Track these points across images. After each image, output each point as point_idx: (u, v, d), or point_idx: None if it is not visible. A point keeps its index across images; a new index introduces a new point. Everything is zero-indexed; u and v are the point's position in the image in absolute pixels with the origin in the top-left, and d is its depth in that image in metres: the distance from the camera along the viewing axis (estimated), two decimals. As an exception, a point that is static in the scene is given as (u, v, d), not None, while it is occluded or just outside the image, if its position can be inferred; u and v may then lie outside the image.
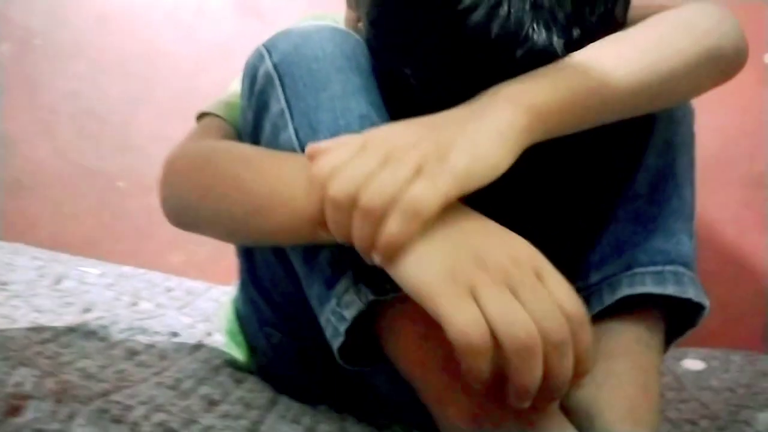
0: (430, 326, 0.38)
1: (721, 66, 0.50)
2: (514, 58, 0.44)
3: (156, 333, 0.68)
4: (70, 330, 0.59)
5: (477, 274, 0.36)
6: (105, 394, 0.45)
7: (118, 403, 0.43)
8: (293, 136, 0.46)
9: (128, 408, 0.43)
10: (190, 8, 1.19)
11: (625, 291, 0.49)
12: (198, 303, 0.91)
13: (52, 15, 1.22)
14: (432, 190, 0.37)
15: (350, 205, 0.37)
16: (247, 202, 0.44)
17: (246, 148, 0.50)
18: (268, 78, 0.48)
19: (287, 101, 0.47)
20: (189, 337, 0.71)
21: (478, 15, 0.44)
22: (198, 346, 0.65)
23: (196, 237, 1.14)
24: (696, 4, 0.51)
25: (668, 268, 0.49)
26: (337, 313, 0.43)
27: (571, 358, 0.35)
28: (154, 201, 1.20)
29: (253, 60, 0.50)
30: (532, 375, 0.34)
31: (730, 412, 0.70)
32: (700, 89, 0.50)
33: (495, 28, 0.44)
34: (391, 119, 0.47)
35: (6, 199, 1.21)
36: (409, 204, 0.36)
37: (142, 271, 1.04)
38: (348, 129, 0.45)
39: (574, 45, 0.46)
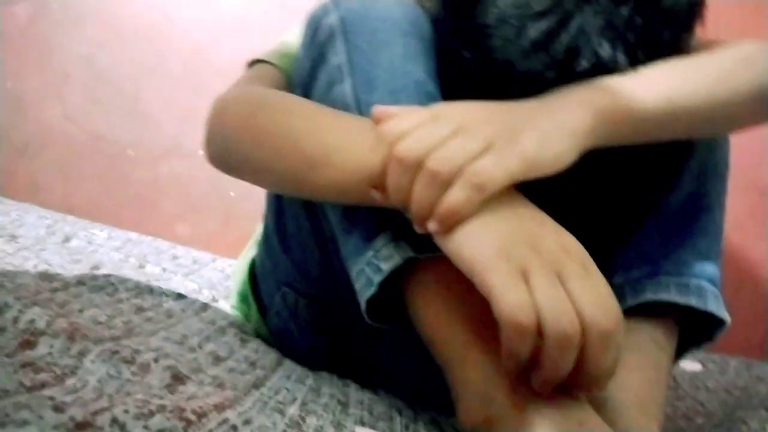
0: (462, 291, 0.39)
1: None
2: (575, 69, 0.45)
3: (162, 294, 0.68)
4: (80, 282, 0.60)
5: (530, 257, 0.36)
6: (115, 339, 0.45)
7: (127, 347, 0.44)
8: (349, 90, 0.46)
9: (137, 352, 0.43)
10: (209, -21, 1.19)
11: (648, 296, 0.50)
12: (203, 272, 0.92)
13: (69, -22, 1.22)
14: (500, 167, 0.38)
15: (416, 167, 0.37)
16: (301, 156, 0.44)
17: (300, 101, 0.50)
18: (331, 31, 0.48)
19: (348, 55, 0.47)
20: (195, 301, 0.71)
21: (548, 21, 0.45)
22: (204, 307, 0.66)
23: (202, 209, 1.15)
24: (758, 44, 0.52)
25: (693, 281, 0.50)
26: (373, 265, 0.43)
27: (613, 350, 0.35)
28: (163, 170, 1.22)
29: (318, 12, 0.50)
30: (565, 366, 0.35)
31: (726, 412, 0.70)
32: (750, 123, 0.51)
33: (564, 37, 0.45)
34: (442, 95, 0.47)
35: (14, 159, 1.21)
36: (475, 175, 0.37)
37: (149, 238, 1.04)
38: (404, 91, 0.45)
39: (636, 65, 0.46)
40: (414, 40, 0.49)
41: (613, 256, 0.53)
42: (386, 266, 0.42)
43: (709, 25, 1.05)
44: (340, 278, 0.50)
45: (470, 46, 0.49)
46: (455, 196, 0.37)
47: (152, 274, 0.82)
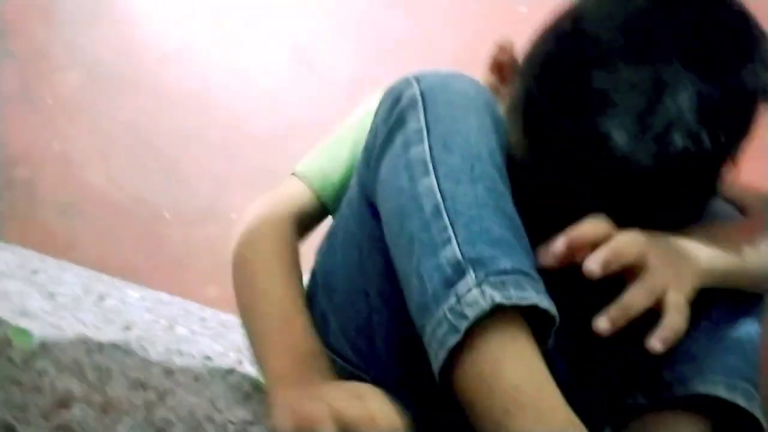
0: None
1: None
2: (669, 150, 0.49)
3: (191, 356, 0.70)
4: (114, 346, 0.62)
5: None
6: (147, 407, 0.47)
7: (159, 417, 0.45)
8: (427, 150, 0.49)
9: (168, 423, 0.45)
10: (248, 53, 1.25)
11: (698, 389, 0.52)
12: (230, 335, 0.93)
13: (119, 49, 1.30)
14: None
15: None
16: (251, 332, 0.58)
17: (275, 295, 0.59)
18: (413, 100, 0.52)
19: (427, 122, 0.50)
20: (221, 363, 0.73)
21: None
22: (230, 371, 0.67)
23: (231, 271, 1.17)
24: None
25: (741, 383, 0.52)
26: (457, 312, 0.43)
27: None
28: (196, 233, 1.25)
29: (400, 85, 0.54)
30: None
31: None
32: None
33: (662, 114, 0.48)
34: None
35: (55, 218, 1.27)
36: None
37: (179, 299, 1.07)
38: (479, 157, 0.49)
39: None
40: (488, 117, 0.53)
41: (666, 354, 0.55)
42: (472, 312, 0.42)
43: None
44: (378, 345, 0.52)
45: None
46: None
47: (181, 335, 0.84)
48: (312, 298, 0.67)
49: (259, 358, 0.55)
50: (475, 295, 0.43)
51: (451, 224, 0.46)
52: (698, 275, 0.52)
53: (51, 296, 0.78)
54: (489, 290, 0.42)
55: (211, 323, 0.97)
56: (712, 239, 0.55)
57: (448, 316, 0.43)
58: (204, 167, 1.24)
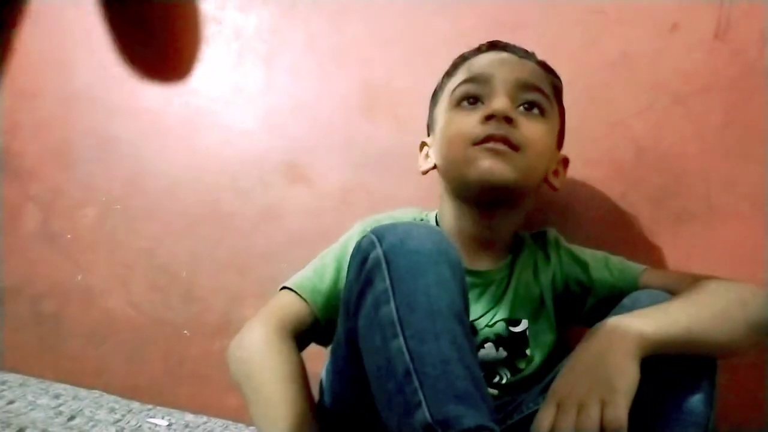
0: None
1: (762, 332, 0.73)
2: None
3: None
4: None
5: None
6: None
7: None
8: (394, 311, 0.58)
9: None
10: (249, 174, 1.36)
11: None
12: (255, 453, 1.00)
13: (130, 183, 1.41)
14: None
15: None
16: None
17: (267, 386, 0.74)
18: (377, 261, 0.62)
19: (391, 282, 0.60)
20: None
21: None
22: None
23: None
24: (748, 286, 0.76)
25: None
26: None
27: None
28: (214, 347, 1.34)
29: (366, 245, 0.64)
30: None
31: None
32: (745, 347, 0.73)
33: None
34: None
35: (82, 346, 1.35)
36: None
37: (203, 419, 1.14)
38: (439, 313, 0.58)
39: None
40: (445, 268, 0.62)
41: None
42: None
43: (729, 113, 1.18)
44: None
45: None
46: None
47: (209, 464, 0.91)
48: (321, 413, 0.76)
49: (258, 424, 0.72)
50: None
51: (420, 386, 0.54)
52: (642, 347, 0.62)
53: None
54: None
55: (236, 443, 1.04)
56: (650, 311, 0.67)
57: None
58: (217, 285, 1.33)
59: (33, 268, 1.41)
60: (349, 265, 0.69)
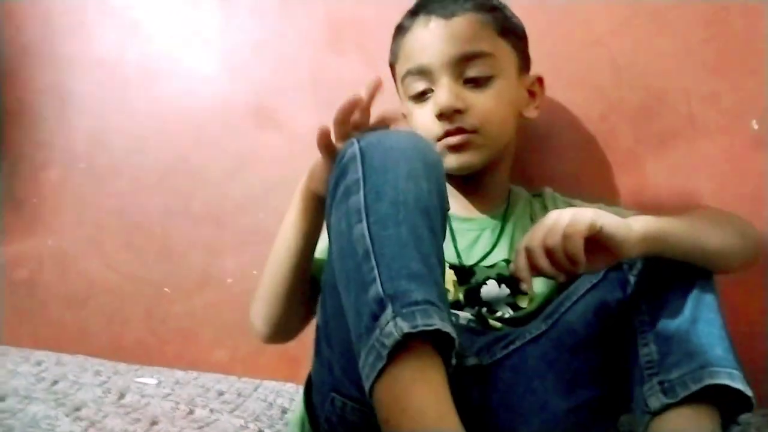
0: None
1: (751, 245, 0.77)
2: None
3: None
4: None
5: None
6: None
7: None
8: (362, 199, 0.60)
9: None
10: (216, 122, 1.30)
11: (707, 381, 0.62)
12: (247, 404, 1.00)
13: (93, 140, 1.35)
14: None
15: None
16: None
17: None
18: (353, 156, 0.63)
19: (363, 173, 0.61)
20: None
21: None
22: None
23: (237, 334, 1.24)
24: (720, 209, 0.82)
25: (734, 371, 0.63)
26: (380, 342, 0.53)
27: None
28: (196, 303, 1.31)
29: (346, 145, 0.65)
30: None
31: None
32: (739, 260, 0.76)
33: None
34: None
35: (62, 312, 1.32)
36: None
37: (194, 374, 1.13)
38: (404, 203, 0.59)
39: None
40: (418, 163, 0.63)
41: (669, 353, 0.67)
42: (389, 342, 0.52)
43: (709, 27, 1.15)
44: None
45: None
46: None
47: (201, 418, 0.90)
48: (318, 352, 0.75)
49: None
50: (391, 327, 0.52)
51: (377, 264, 0.56)
52: (640, 240, 0.66)
53: (75, 411, 0.84)
54: (400, 322, 0.52)
55: (228, 396, 1.03)
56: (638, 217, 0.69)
57: (375, 345, 0.53)
58: (193, 238, 1.29)
59: (0, 237, 1.36)
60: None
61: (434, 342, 0.54)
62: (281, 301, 0.85)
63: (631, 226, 0.66)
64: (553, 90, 1.05)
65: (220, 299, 1.27)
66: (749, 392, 0.63)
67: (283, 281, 0.84)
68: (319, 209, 0.79)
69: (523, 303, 0.88)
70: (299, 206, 0.83)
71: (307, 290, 0.87)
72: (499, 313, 0.87)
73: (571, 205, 0.95)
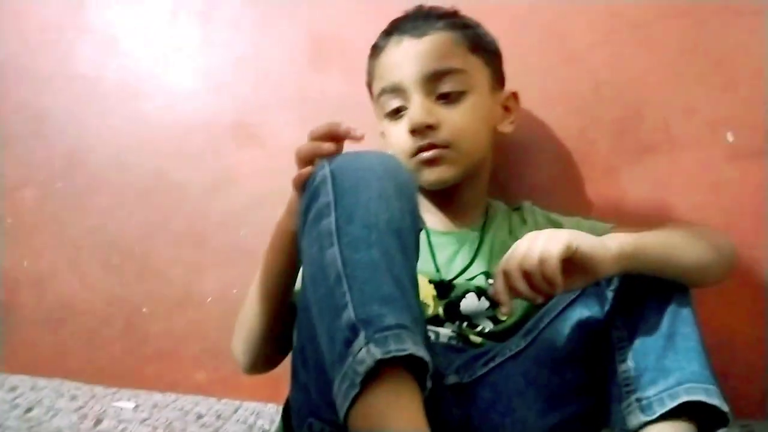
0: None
1: (727, 259, 0.78)
2: None
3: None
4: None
5: None
6: None
7: None
8: (333, 223, 0.59)
9: None
10: (197, 139, 1.28)
11: (683, 398, 0.63)
12: (227, 427, 0.98)
13: (70, 158, 1.33)
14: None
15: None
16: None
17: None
18: (324, 178, 0.62)
19: (335, 196, 0.60)
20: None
21: None
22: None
23: (217, 354, 1.22)
24: (697, 225, 0.84)
25: (711, 387, 0.64)
26: (353, 369, 0.52)
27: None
28: (176, 323, 1.29)
29: (317, 167, 0.65)
30: None
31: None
32: (714, 275, 0.77)
33: None
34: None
35: (39, 334, 1.29)
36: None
37: (172, 397, 1.11)
38: (375, 226, 0.58)
39: None
40: (390, 184, 0.62)
41: (645, 370, 0.67)
42: (362, 369, 0.51)
43: (685, 41, 1.16)
44: None
45: None
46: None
47: (181, 443, 0.88)
48: (295, 376, 0.73)
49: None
50: (363, 354, 0.51)
51: (349, 289, 0.55)
52: (616, 258, 0.66)
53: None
54: (373, 348, 0.51)
55: (207, 419, 1.01)
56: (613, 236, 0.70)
57: (349, 373, 0.52)
58: (173, 256, 1.28)
59: (-25, 257, 1.33)
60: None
61: (409, 366, 0.53)
62: (259, 338, 0.85)
63: (607, 246, 0.66)
64: (532, 104, 1.05)
65: (200, 318, 1.25)
66: (725, 407, 0.63)
67: (261, 318, 0.83)
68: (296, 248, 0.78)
69: (504, 316, 0.87)
70: (276, 245, 0.81)
71: (288, 322, 0.85)
72: (479, 327, 0.87)
73: (549, 219, 0.95)
